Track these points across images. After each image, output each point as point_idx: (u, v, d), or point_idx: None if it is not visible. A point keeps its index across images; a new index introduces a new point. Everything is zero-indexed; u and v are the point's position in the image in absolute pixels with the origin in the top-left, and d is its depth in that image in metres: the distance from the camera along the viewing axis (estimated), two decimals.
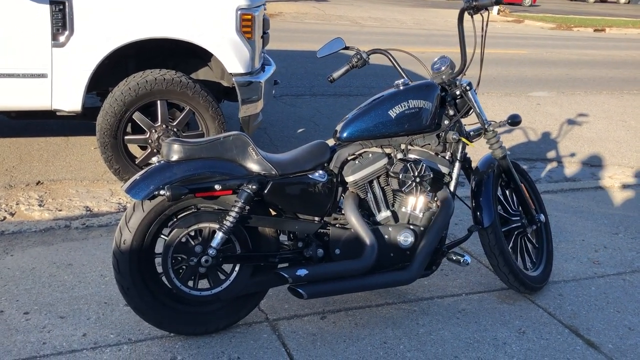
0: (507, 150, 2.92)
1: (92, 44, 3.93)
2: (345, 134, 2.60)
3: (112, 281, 2.89)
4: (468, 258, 2.62)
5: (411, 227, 2.64)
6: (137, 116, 4.14)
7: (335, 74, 2.86)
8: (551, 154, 5.75)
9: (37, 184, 4.23)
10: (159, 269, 2.45)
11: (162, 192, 2.27)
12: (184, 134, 4.25)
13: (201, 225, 2.39)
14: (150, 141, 4.19)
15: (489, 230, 2.76)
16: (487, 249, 2.80)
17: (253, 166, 2.42)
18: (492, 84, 8.41)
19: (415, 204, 2.67)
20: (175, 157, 2.36)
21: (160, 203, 2.36)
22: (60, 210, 3.84)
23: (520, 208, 2.99)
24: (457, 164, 2.78)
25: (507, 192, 3.01)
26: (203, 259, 2.36)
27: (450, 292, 2.95)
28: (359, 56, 2.85)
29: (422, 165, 2.57)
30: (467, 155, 2.88)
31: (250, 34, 4.29)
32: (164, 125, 4.18)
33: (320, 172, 2.54)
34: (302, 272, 2.39)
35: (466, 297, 2.93)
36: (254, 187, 2.36)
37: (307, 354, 2.42)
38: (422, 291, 2.93)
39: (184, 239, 2.38)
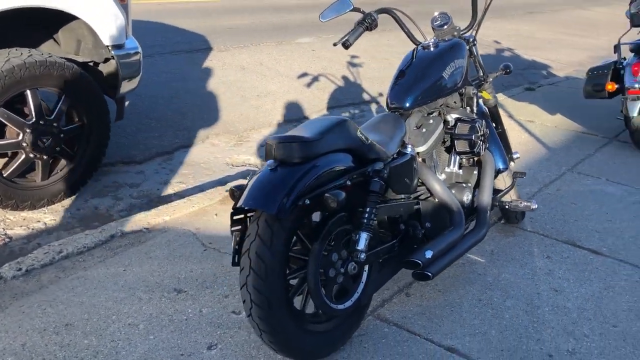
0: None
1: None
2: (409, 103, 2.47)
3: (151, 329, 2.27)
4: (535, 202, 2.81)
5: (464, 184, 2.70)
6: (1, 114, 3.11)
7: (352, 38, 2.64)
8: (366, 96, 6.19)
9: None
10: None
11: (303, 201, 1.88)
12: (63, 128, 3.36)
13: (336, 230, 2.06)
14: (24, 144, 3.20)
15: (504, 174, 2.98)
16: (498, 193, 3.02)
17: (366, 152, 2.15)
18: (257, 34, 8.43)
19: (461, 162, 2.72)
20: (295, 158, 1.94)
21: (295, 215, 1.94)
22: None
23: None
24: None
25: None
26: (350, 267, 2.05)
27: None
28: (371, 18, 2.67)
29: (483, 123, 2.62)
30: None
31: None
32: (40, 122, 3.23)
33: (409, 147, 2.39)
34: (429, 253, 2.26)
35: None
36: (385, 174, 2.12)
37: (441, 333, 2.34)
38: None
39: (328, 250, 2.02)
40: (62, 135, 3.34)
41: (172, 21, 8.44)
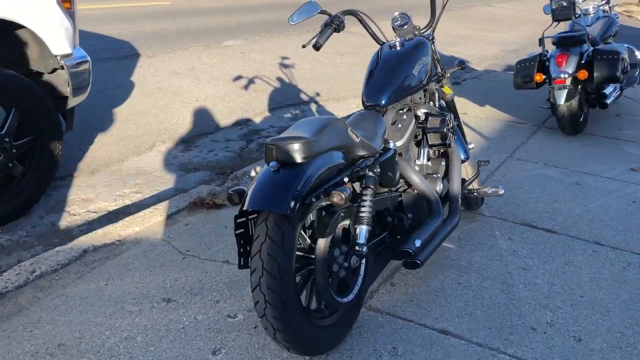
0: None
1: None
2: (384, 100, 2.57)
3: (149, 340, 2.24)
4: (502, 188, 2.98)
5: (434, 175, 2.83)
6: None
7: (322, 40, 2.70)
8: (304, 97, 6.27)
9: None
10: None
11: (310, 200, 1.93)
12: (15, 143, 3.21)
13: (338, 225, 2.11)
14: None
15: (466, 163, 3.14)
16: (465, 181, 3.18)
17: (357, 149, 2.22)
18: (183, 38, 8.29)
19: (429, 154, 2.85)
20: (297, 159, 1.98)
21: (301, 214, 1.98)
22: None
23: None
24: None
25: None
26: (353, 260, 2.11)
27: None
28: (339, 19, 2.75)
29: (451, 116, 2.76)
30: None
31: (69, 4, 3.43)
32: None
33: (391, 142, 2.48)
34: (418, 242, 2.37)
35: None
36: (377, 170, 2.20)
37: (431, 317, 2.45)
38: None
39: (330, 246, 2.07)
40: (14, 151, 3.19)
41: (92, 28, 8.16)
